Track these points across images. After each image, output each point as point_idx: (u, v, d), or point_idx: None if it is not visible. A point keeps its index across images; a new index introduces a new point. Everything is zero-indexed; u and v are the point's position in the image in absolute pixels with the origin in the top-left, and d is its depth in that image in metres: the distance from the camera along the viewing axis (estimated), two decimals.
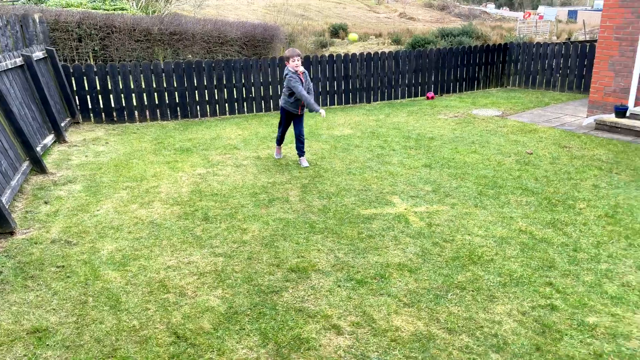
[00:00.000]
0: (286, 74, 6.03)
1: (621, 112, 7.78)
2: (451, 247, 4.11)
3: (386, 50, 11.02)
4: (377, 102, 10.80)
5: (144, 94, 8.85)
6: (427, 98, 11.13)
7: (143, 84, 8.82)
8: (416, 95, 11.24)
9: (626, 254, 3.94)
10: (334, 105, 10.41)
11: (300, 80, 6.02)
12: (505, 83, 12.44)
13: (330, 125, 8.57)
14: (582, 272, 3.67)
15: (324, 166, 6.29)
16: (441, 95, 11.51)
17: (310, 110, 6.05)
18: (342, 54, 10.41)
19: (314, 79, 10.00)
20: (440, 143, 7.33)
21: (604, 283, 3.53)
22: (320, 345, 2.90)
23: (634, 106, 7.84)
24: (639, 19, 7.65)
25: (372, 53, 10.59)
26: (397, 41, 25.92)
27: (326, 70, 10.09)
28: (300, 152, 6.37)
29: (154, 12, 20.15)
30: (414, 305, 3.30)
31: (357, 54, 10.48)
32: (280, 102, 6.37)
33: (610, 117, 7.83)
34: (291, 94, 6.07)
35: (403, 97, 11.11)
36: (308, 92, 6.12)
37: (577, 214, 4.72)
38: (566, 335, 2.97)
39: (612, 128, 7.64)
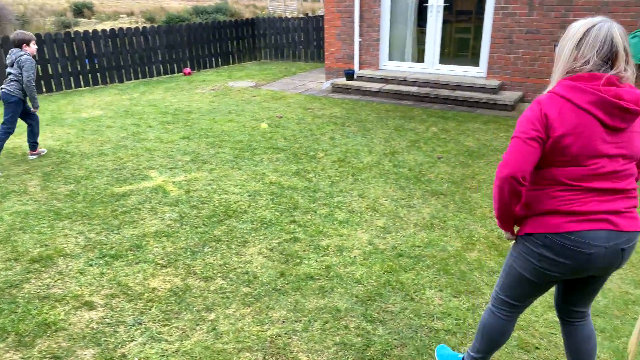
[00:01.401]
0: (26, 59, 5.09)
1: (350, 75, 9.08)
2: (208, 207, 4.29)
3: (132, 26, 10.45)
4: (132, 81, 10.24)
5: None
6: (185, 74, 11.05)
7: None
8: (173, 72, 11.04)
9: (352, 188, 4.72)
10: (80, 87, 9.48)
11: None
12: (258, 56, 13.17)
13: (77, 108, 7.82)
14: (319, 208, 4.28)
15: (70, 151, 5.76)
16: (199, 70, 11.56)
17: (33, 105, 5.37)
18: (82, 31, 9.49)
19: (50, 60, 8.91)
20: (199, 115, 7.43)
21: (336, 213, 4.18)
22: (70, 325, 2.75)
23: (359, 69, 9.24)
24: None
25: (116, 29, 9.94)
26: (151, 19, 24.73)
27: (64, 49, 9.07)
28: (35, 144, 5.54)
29: None
30: (171, 265, 3.37)
31: (100, 30, 9.70)
32: (10, 91, 5.15)
33: (342, 81, 9.07)
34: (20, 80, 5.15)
35: (159, 74, 10.79)
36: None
37: (317, 162, 5.42)
38: (305, 258, 3.45)
39: (344, 89, 8.88)
